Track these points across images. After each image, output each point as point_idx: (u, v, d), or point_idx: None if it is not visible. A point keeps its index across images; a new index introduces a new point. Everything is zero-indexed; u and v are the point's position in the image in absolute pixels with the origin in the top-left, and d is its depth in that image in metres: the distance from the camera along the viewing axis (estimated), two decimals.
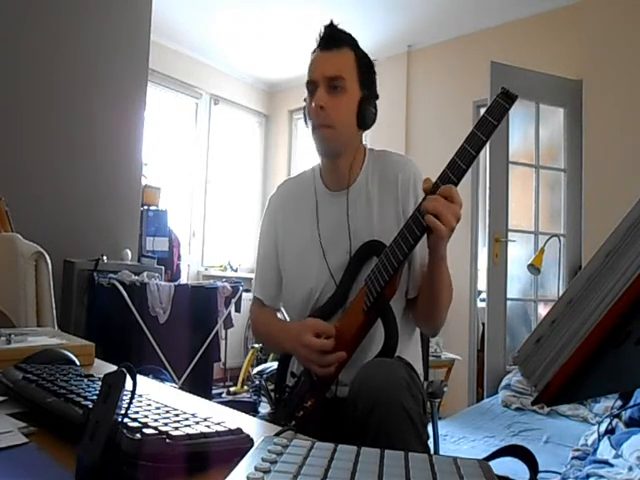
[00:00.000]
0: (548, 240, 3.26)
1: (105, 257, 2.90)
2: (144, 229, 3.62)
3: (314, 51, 1.19)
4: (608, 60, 3.17)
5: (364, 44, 1.20)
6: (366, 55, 1.20)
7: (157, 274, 3.11)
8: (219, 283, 3.30)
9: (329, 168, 1.24)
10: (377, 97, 1.20)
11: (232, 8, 3.97)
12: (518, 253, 3.40)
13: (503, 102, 0.91)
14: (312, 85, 1.16)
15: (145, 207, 3.67)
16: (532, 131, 3.40)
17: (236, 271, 5.04)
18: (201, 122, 4.99)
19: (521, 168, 3.45)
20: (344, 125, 1.16)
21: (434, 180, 0.97)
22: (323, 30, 1.18)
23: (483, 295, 3.51)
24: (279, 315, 1.37)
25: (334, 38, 1.17)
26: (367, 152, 1.26)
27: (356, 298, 1.09)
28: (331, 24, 1.18)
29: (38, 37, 2.75)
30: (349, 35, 1.19)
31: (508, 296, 3.27)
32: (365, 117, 1.17)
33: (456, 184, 0.95)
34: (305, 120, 1.23)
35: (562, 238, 3.38)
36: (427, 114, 4.29)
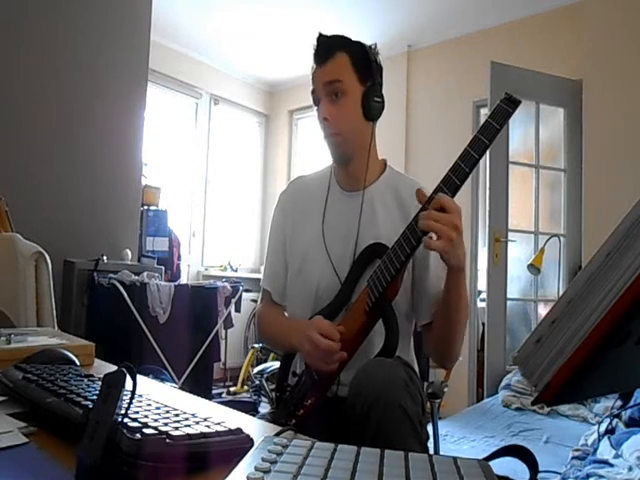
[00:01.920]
0: (548, 240, 3.26)
1: (105, 257, 2.90)
2: (144, 229, 3.62)
3: (313, 66, 1.23)
4: (608, 60, 3.16)
5: None
6: (362, 47, 1.20)
7: (157, 274, 3.11)
8: (219, 283, 3.30)
9: (342, 171, 1.26)
10: (381, 85, 1.21)
11: (232, 8, 3.97)
12: (518, 253, 3.39)
13: (506, 107, 0.91)
14: (314, 97, 1.21)
15: (145, 207, 3.67)
16: (532, 131, 3.40)
17: (236, 271, 5.04)
18: (201, 122, 4.99)
19: (521, 168, 3.45)
20: (349, 130, 1.18)
21: (438, 183, 0.98)
22: (315, 43, 1.21)
23: (483, 295, 3.51)
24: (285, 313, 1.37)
25: (325, 49, 1.19)
26: (387, 166, 1.28)
27: (358, 298, 1.09)
28: (320, 36, 1.21)
29: (38, 37, 2.75)
30: (339, 38, 1.20)
31: (508, 296, 3.26)
32: (371, 109, 1.18)
33: (459, 187, 0.95)
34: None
35: (562, 238, 3.38)
36: (427, 114, 4.29)
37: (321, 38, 1.20)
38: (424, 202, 0.97)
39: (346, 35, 1.22)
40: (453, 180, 0.95)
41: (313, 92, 1.21)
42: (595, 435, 2.00)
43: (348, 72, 1.17)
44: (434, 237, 0.95)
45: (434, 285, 1.14)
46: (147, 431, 0.46)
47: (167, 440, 0.45)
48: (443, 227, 0.93)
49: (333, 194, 1.26)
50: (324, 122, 1.17)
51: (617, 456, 1.74)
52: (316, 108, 1.22)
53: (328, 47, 1.19)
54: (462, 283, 1.03)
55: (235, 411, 0.68)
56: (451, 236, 0.94)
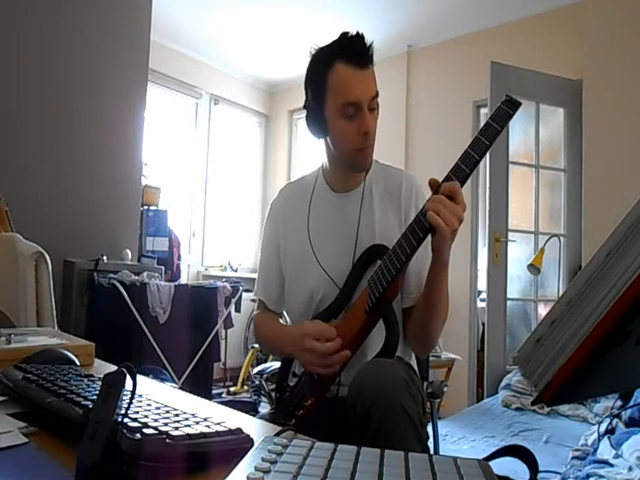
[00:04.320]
0: (548, 240, 3.26)
1: (105, 257, 2.90)
2: (144, 229, 3.62)
3: (335, 62, 1.10)
4: (608, 60, 3.16)
5: None
6: None
7: (157, 274, 3.11)
8: (219, 283, 3.30)
9: (343, 174, 1.24)
10: None
11: (232, 8, 3.97)
12: (518, 253, 3.39)
13: (507, 108, 0.92)
14: (355, 107, 1.10)
15: (145, 207, 3.67)
16: (532, 131, 3.40)
17: (236, 271, 5.04)
18: (201, 122, 4.99)
19: (521, 168, 3.45)
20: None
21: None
22: (350, 41, 1.11)
23: (483, 295, 3.51)
24: (281, 320, 1.37)
25: (367, 54, 1.11)
26: (373, 160, 1.27)
27: (359, 299, 1.09)
28: (362, 37, 1.11)
29: (38, 37, 2.75)
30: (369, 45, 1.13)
31: (508, 296, 3.26)
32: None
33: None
34: (330, 141, 1.18)
35: (562, 238, 3.38)
36: (427, 114, 4.29)
37: (364, 40, 1.10)
38: (435, 190, 0.97)
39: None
40: (453, 181, 0.96)
41: (355, 104, 1.09)
42: (595, 435, 2.00)
43: (376, 83, 1.13)
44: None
45: (415, 272, 1.15)
46: (147, 431, 0.46)
47: (167, 440, 0.45)
48: (449, 214, 0.93)
49: (324, 198, 1.25)
50: (364, 136, 1.11)
51: (617, 456, 1.74)
52: (340, 117, 1.12)
53: (367, 54, 1.11)
54: (446, 277, 1.06)
55: (235, 411, 0.68)
56: (454, 225, 0.95)
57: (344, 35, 1.12)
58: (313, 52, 1.17)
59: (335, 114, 1.12)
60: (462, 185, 0.96)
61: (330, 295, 1.17)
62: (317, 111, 1.15)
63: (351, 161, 1.18)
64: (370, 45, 1.11)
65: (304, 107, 1.20)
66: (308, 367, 1.08)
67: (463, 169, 0.94)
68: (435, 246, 0.99)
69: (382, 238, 1.15)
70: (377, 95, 1.13)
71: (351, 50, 1.10)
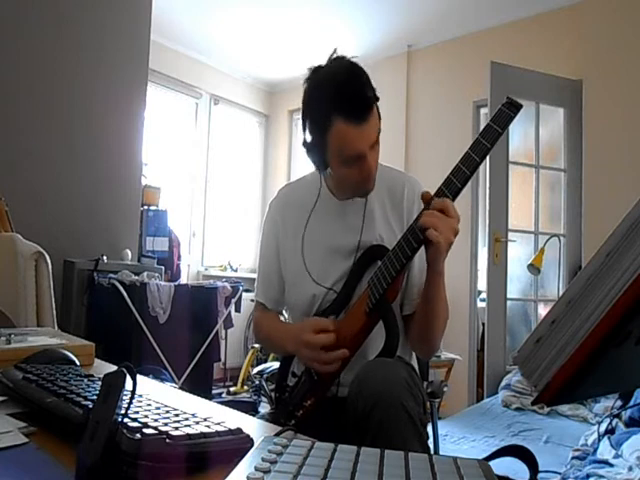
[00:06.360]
0: (548, 240, 3.26)
1: (105, 257, 2.90)
2: (144, 229, 3.62)
3: (333, 119, 1.03)
4: (608, 60, 3.17)
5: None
6: (368, 79, 1.08)
7: (157, 274, 3.11)
8: (219, 283, 3.30)
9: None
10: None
11: (232, 8, 3.97)
12: (518, 253, 3.39)
13: (508, 111, 0.92)
14: (357, 157, 1.07)
15: (145, 207, 3.67)
16: (532, 131, 3.40)
17: (236, 271, 5.04)
18: (201, 122, 4.99)
19: (521, 168, 3.45)
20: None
21: (439, 185, 0.98)
22: (348, 94, 1.03)
23: (483, 295, 3.51)
24: (281, 318, 1.38)
25: (367, 106, 1.05)
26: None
27: (359, 300, 1.10)
28: (360, 86, 1.04)
29: (38, 37, 2.75)
30: (369, 86, 1.06)
31: (508, 296, 3.26)
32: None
33: (460, 190, 0.95)
34: (332, 177, 1.18)
35: (562, 238, 3.38)
36: (427, 114, 4.29)
37: (362, 91, 1.04)
38: (427, 203, 0.98)
39: (359, 66, 1.08)
40: (454, 183, 0.96)
41: (357, 156, 1.06)
42: (595, 435, 2.00)
43: (378, 117, 1.10)
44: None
45: (417, 278, 1.15)
46: (147, 431, 0.46)
47: (167, 440, 0.45)
48: (445, 229, 0.94)
49: (326, 203, 1.25)
50: (367, 177, 1.10)
51: (617, 456, 1.74)
52: (341, 166, 1.10)
53: (367, 106, 1.05)
54: (442, 284, 1.06)
55: (235, 411, 0.68)
56: (450, 239, 0.95)
57: (340, 85, 1.04)
58: (308, 76, 1.11)
59: (336, 163, 1.10)
60: (463, 187, 0.95)
61: (331, 296, 1.17)
62: (318, 154, 1.13)
63: (352, 194, 1.19)
64: (365, 92, 1.04)
65: (303, 144, 1.16)
66: (307, 363, 1.09)
67: (464, 171, 0.94)
68: (430, 259, 0.99)
69: (383, 241, 1.15)
70: (379, 133, 1.09)
71: (349, 105, 1.03)
